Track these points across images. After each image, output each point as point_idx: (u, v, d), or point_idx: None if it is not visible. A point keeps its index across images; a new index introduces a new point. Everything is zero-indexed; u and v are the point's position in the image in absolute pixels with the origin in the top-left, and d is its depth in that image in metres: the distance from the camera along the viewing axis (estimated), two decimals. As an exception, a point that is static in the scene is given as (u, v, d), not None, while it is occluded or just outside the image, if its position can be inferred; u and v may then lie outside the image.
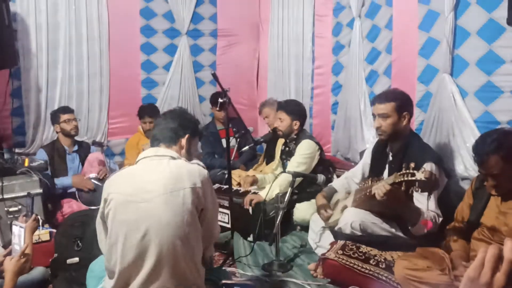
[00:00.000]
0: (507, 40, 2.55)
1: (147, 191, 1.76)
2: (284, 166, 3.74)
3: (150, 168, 1.84)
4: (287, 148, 3.70)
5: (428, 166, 2.45)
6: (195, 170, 1.84)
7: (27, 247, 2.05)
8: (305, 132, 3.72)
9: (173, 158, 1.87)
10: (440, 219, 2.44)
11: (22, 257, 1.96)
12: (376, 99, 2.71)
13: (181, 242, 1.75)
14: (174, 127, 1.95)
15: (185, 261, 1.78)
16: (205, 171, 1.89)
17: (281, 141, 3.90)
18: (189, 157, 2.00)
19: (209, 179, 1.90)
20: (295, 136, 3.60)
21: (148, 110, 4.48)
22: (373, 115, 2.73)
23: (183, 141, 1.95)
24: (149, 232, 1.72)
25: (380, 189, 2.24)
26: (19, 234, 2.15)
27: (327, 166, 3.74)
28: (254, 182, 3.69)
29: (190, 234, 1.77)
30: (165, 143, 1.93)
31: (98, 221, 1.91)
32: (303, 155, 3.46)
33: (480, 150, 2.00)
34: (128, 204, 1.76)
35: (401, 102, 2.63)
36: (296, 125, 3.57)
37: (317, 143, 3.58)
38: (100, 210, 1.87)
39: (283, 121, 3.59)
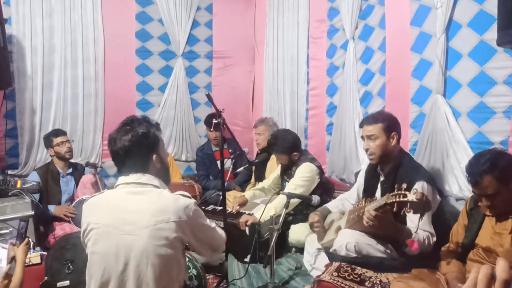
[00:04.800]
0: (498, 62, 2.57)
1: (129, 223, 1.67)
2: (283, 187, 3.72)
3: (132, 198, 1.73)
4: (289, 171, 3.68)
5: (420, 185, 2.45)
6: (181, 203, 1.73)
7: (9, 268, 2.02)
8: (307, 154, 3.71)
9: (157, 187, 1.78)
10: (434, 238, 2.42)
11: (4, 278, 1.93)
12: (364, 121, 2.75)
13: (161, 277, 1.68)
14: (139, 155, 1.79)
15: None
16: (192, 202, 1.77)
17: (272, 161, 3.90)
18: (167, 168, 1.94)
19: (197, 209, 1.79)
20: (296, 159, 3.60)
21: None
22: (362, 137, 2.76)
23: (154, 163, 1.83)
24: (129, 266, 1.66)
25: (366, 216, 2.23)
26: (2, 256, 2.13)
27: (327, 189, 3.73)
28: (244, 203, 3.67)
29: (171, 268, 1.71)
30: (138, 172, 1.79)
31: (82, 242, 1.84)
32: (302, 178, 3.44)
33: (474, 171, 2.00)
34: (108, 235, 1.68)
35: (389, 123, 2.66)
36: (295, 156, 3.58)
37: (318, 167, 3.56)
38: (81, 237, 1.80)
39: (283, 160, 3.61)
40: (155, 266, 1.67)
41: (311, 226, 2.94)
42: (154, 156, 1.81)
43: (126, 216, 1.69)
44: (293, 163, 3.59)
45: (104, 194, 1.84)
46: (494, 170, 1.94)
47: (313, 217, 2.95)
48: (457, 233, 2.31)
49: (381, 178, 2.76)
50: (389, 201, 2.12)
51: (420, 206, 2.01)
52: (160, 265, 1.67)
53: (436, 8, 2.89)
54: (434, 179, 2.68)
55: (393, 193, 2.11)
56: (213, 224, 1.92)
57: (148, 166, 1.80)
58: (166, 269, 1.69)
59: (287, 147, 3.55)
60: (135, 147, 1.76)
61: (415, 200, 2.00)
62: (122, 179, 1.79)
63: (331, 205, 3.12)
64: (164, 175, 1.89)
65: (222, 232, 2.00)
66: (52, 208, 3.61)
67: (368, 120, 2.73)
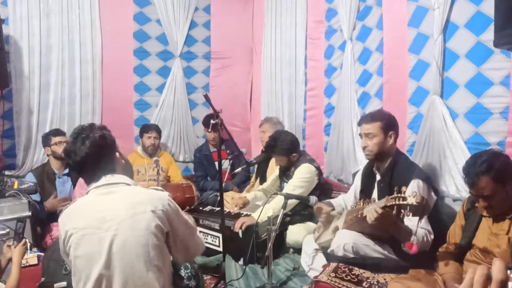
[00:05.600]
0: (495, 63, 2.58)
1: (107, 220, 1.69)
2: (282, 188, 3.72)
3: (105, 198, 1.75)
4: (288, 172, 3.68)
5: (415, 183, 2.46)
6: (154, 194, 1.78)
7: None
8: (306, 155, 3.71)
9: (128, 184, 1.80)
10: (432, 236, 2.43)
11: None
12: (362, 120, 2.79)
13: (146, 266, 1.69)
14: (103, 157, 1.80)
15: (152, 286, 1.72)
16: (166, 194, 1.80)
17: (273, 162, 3.89)
18: (130, 163, 1.97)
19: (172, 202, 1.81)
20: (295, 160, 3.60)
21: (153, 126, 4.57)
22: (360, 135, 2.79)
23: (119, 160, 1.87)
24: (113, 262, 1.67)
25: (371, 213, 2.23)
26: None
27: (325, 190, 3.72)
28: (245, 204, 3.67)
29: (155, 257, 1.72)
30: (108, 174, 1.80)
31: (63, 255, 1.83)
32: (301, 179, 3.43)
33: (471, 172, 2.00)
34: (88, 237, 1.69)
35: (387, 122, 2.70)
36: (294, 157, 3.59)
37: (317, 168, 3.56)
38: (60, 247, 1.80)
39: (281, 161, 3.62)
40: (139, 256, 1.68)
41: (318, 213, 2.91)
42: (117, 154, 1.85)
43: (103, 215, 1.70)
44: (292, 164, 3.60)
45: (77, 202, 1.83)
46: (491, 171, 1.95)
47: (323, 205, 2.92)
48: (454, 233, 2.31)
49: (377, 178, 2.78)
50: (388, 204, 2.12)
51: (420, 209, 2.01)
52: (144, 255, 1.69)
53: (433, 9, 2.89)
54: (430, 178, 2.70)
55: (393, 195, 2.11)
56: (194, 225, 1.96)
57: (114, 165, 1.83)
58: (150, 258, 1.70)
59: (286, 148, 3.55)
60: (98, 151, 1.77)
61: (414, 203, 2.00)
62: (91, 185, 1.80)
63: (334, 201, 3.13)
64: (129, 171, 1.93)
65: (201, 237, 2.03)
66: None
67: (366, 118, 2.76)
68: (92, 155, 1.75)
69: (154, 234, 1.71)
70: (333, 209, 2.98)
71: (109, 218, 1.69)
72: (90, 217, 1.71)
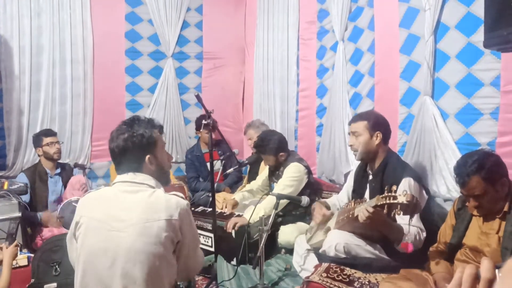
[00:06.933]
0: (485, 64, 2.60)
1: (119, 220, 1.69)
2: (272, 188, 3.72)
3: (126, 196, 1.75)
4: (277, 172, 3.68)
5: (406, 182, 2.47)
6: (173, 202, 1.75)
7: None
8: (294, 154, 3.72)
9: (151, 186, 1.79)
10: (424, 234, 2.44)
11: None
12: (351, 119, 2.87)
13: (150, 275, 1.67)
14: (133, 155, 1.80)
15: None
16: (184, 202, 1.78)
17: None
18: (163, 169, 1.90)
19: (189, 211, 1.80)
20: (283, 159, 3.60)
21: None
22: (349, 134, 2.85)
23: (147, 164, 1.82)
24: (116, 263, 1.66)
25: (362, 212, 2.24)
26: None
27: (315, 189, 3.73)
28: (235, 205, 3.67)
29: (160, 267, 1.70)
30: (131, 172, 1.81)
31: (69, 238, 1.85)
32: (290, 178, 3.44)
33: (461, 172, 2.02)
34: (98, 230, 1.70)
35: (373, 122, 2.72)
36: (282, 156, 3.59)
37: (306, 166, 3.57)
38: (71, 230, 1.82)
39: (269, 161, 3.62)
40: (143, 263, 1.66)
41: (315, 212, 2.91)
42: (147, 158, 1.82)
43: (117, 213, 1.71)
44: (281, 164, 3.60)
45: (101, 190, 1.88)
46: (482, 171, 1.96)
47: (323, 207, 2.92)
48: (445, 233, 2.32)
49: (370, 178, 2.79)
50: (379, 203, 2.12)
51: (410, 208, 2.02)
52: (149, 263, 1.67)
53: (424, 10, 2.91)
54: (421, 177, 2.71)
55: (383, 195, 2.11)
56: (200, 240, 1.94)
57: (141, 166, 1.82)
58: (154, 267, 1.69)
59: (273, 148, 3.55)
60: (129, 147, 1.79)
61: (405, 202, 2.00)
62: (119, 177, 1.82)
63: (330, 201, 3.13)
64: (159, 176, 1.88)
65: (202, 254, 2.00)
66: (38, 215, 3.56)
67: (354, 117, 2.85)
68: (123, 148, 1.79)
69: (163, 244, 1.69)
70: (331, 211, 2.99)
71: (123, 218, 1.69)
72: (105, 212, 1.73)
